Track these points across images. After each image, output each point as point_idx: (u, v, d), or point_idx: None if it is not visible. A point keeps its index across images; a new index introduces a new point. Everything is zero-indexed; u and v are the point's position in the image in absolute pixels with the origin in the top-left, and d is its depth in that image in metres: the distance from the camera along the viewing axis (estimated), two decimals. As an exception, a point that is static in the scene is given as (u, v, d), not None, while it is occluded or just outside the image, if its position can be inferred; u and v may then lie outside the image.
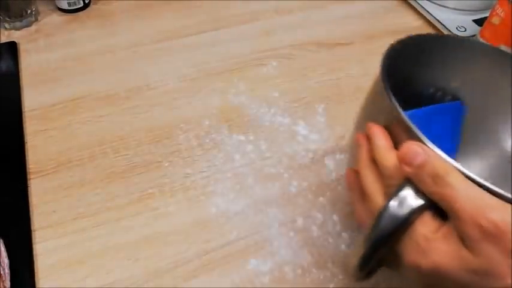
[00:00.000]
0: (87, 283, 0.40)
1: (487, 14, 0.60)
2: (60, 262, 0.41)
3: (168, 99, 0.56)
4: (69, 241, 0.43)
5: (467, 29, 0.65)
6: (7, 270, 0.39)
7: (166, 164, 0.49)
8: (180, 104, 0.55)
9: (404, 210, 0.26)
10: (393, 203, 0.27)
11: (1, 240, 0.41)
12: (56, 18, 0.67)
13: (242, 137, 0.51)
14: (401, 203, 0.26)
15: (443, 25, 0.66)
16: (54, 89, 0.57)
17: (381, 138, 0.29)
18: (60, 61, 0.61)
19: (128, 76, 0.58)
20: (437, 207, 0.26)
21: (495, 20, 0.57)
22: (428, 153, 0.26)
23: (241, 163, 0.49)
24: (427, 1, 0.69)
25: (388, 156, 0.28)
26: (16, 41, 0.63)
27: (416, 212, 0.26)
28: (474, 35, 0.61)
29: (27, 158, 0.49)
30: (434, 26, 0.67)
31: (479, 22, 0.65)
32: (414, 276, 0.27)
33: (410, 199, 0.26)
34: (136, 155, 0.50)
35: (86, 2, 0.68)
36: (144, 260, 0.42)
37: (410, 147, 0.26)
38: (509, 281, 0.23)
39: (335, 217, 0.44)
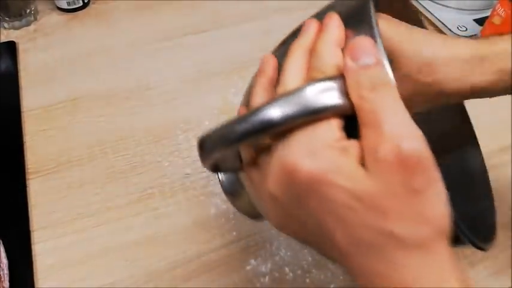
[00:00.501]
0: (86, 283, 0.40)
1: (488, 14, 0.60)
2: (59, 262, 0.41)
3: (167, 99, 0.56)
4: (68, 241, 0.43)
5: (468, 29, 0.64)
6: (6, 271, 0.39)
7: (166, 164, 0.49)
8: (179, 104, 0.55)
9: (320, 100, 0.22)
10: (312, 88, 0.22)
11: (0, 241, 0.41)
12: (55, 17, 0.67)
13: (242, 137, 0.51)
14: (321, 92, 0.22)
15: (444, 24, 0.66)
16: (53, 89, 0.57)
17: (337, 32, 0.24)
18: (59, 61, 0.60)
19: (127, 76, 0.58)
20: (348, 121, 0.22)
21: (496, 20, 0.57)
22: (380, 60, 0.22)
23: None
24: (428, 0, 0.69)
25: (333, 51, 0.24)
26: (15, 40, 0.63)
27: (330, 111, 0.22)
28: (475, 35, 0.61)
29: (26, 158, 0.49)
30: (435, 26, 0.67)
31: (480, 22, 0.65)
32: (277, 187, 0.23)
33: (332, 93, 0.22)
34: (136, 155, 0.50)
35: (85, 1, 0.68)
36: (144, 260, 0.42)
37: (365, 43, 0.22)
38: (395, 226, 0.20)
39: None
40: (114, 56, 0.61)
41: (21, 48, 0.62)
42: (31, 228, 0.43)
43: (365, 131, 0.21)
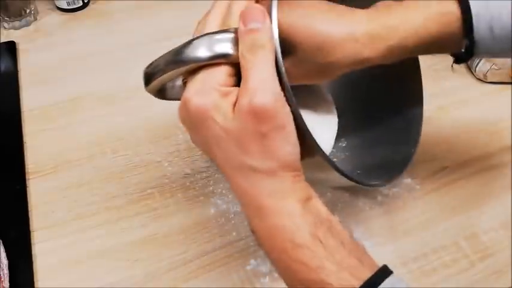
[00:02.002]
0: (86, 283, 0.40)
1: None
2: (59, 262, 0.41)
3: (167, 99, 0.55)
4: (68, 241, 0.43)
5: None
6: (6, 271, 0.39)
7: (165, 164, 0.49)
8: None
9: (217, 47, 0.27)
10: (212, 37, 0.28)
11: (0, 241, 0.41)
12: (55, 17, 0.67)
13: (242, 137, 0.51)
14: (220, 40, 0.28)
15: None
16: (53, 89, 0.57)
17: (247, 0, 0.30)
18: (59, 61, 0.60)
19: (127, 76, 0.58)
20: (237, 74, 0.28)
21: None
22: (265, 25, 0.27)
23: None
24: (427, 0, 0.69)
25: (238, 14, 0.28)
26: (15, 40, 0.63)
27: (222, 57, 0.27)
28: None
29: (26, 158, 0.49)
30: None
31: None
32: (181, 114, 0.29)
33: (226, 44, 0.27)
34: (136, 155, 0.50)
35: (85, 1, 0.68)
36: (144, 260, 0.42)
37: (255, 11, 0.27)
38: (248, 158, 0.27)
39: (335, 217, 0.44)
40: (114, 56, 0.61)
41: (21, 48, 0.62)
42: (31, 228, 0.43)
43: (241, 83, 0.27)
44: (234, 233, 0.43)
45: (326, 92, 0.43)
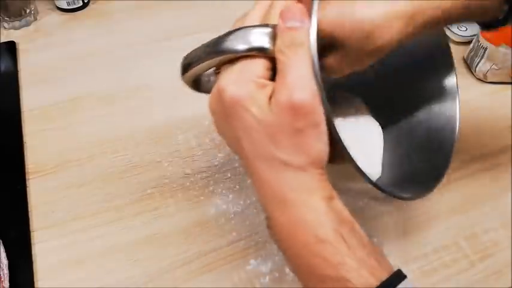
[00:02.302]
0: (86, 283, 0.40)
1: (487, 14, 0.60)
2: (59, 262, 0.41)
3: (167, 99, 0.56)
4: (68, 241, 0.43)
5: (468, 29, 0.64)
6: (6, 271, 0.39)
7: (165, 164, 0.49)
8: (179, 104, 0.55)
9: (255, 40, 0.28)
10: (252, 29, 0.29)
11: (0, 241, 0.41)
12: (55, 17, 0.67)
13: (242, 137, 0.51)
14: (258, 33, 0.28)
15: (444, 25, 0.65)
16: (53, 89, 0.57)
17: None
18: (59, 61, 0.60)
19: (127, 76, 0.58)
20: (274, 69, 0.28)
21: None
22: (304, 25, 0.27)
23: (241, 163, 0.49)
24: (428, 0, 0.69)
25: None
26: (15, 40, 0.63)
27: (259, 51, 0.28)
28: (475, 35, 0.61)
29: (26, 158, 0.49)
30: (434, 26, 0.67)
31: (480, 22, 0.64)
32: (212, 104, 0.30)
33: (264, 38, 0.28)
34: (136, 155, 0.50)
35: (85, 1, 0.68)
36: (144, 260, 0.42)
37: (295, 10, 0.28)
38: (280, 152, 0.27)
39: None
40: (114, 56, 0.61)
41: (21, 48, 0.62)
42: (31, 228, 0.43)
43: (277, 77, 0.28)
44: (234, 233, 0.43)
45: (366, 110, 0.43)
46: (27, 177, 0.47)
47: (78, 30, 0.65)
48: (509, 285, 0.41)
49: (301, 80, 0.27)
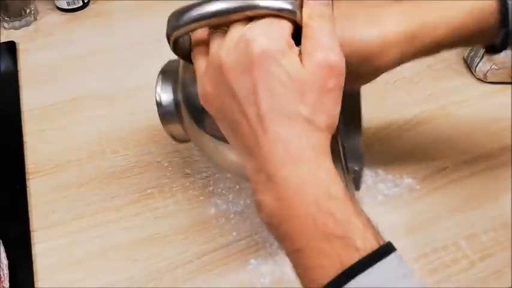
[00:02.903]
0: (86, 283, 0.40)
1: (487, 14, 0.60)
2: (59, 262, 0.41)
3: (167, 99, 0.55)
4: (68, 241, 0.43)
5: (467, 29, 0.64)
6: (6, 271, 0.39)
7: (165, 164, 0.49)
8: (179, 104, 0.55)
9: (286, 2, 0.28)
10: None
11: (0, 241, 0.41)
12: (55, 17, 0.67)
13: (242, 137, 0.51)
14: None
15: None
16: (53, 89, 0.57)
17: None
18: (59, 61, 0.60)
19: (127, 76, 0.58)
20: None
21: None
22: (329, 3, 0.29)
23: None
24: (427, 0, 0.69)
25: None
26: (15, 40, 0.63)
27: (288, 12, 0.28)
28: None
29: (26, 158, 0.49)
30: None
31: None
32: (234, 53, 0.28)
33: (295, 2, 0.28)
34: (136, 155, 0.50)
35: (85, 1, 0.68)
36: (144, 260, 0.42)
37: None
38: (306, 110, 0.27)
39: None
40: (114, 55, 0.61)
41: (21, 48, 0.62)
42: (31, 229, 0.43)
43: (306, 41, 0.28)
44: (234, 233, 0.43)
45: None
46: (27, 177, 0.47)
47: (78, 30, 0.65)
48: (509, 285, 0.41)
49: (335, 43, 0.27)
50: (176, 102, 0.38)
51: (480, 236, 0.44)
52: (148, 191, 0.47)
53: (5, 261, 0.40)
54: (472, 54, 0.60)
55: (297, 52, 0.28)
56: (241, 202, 0.46)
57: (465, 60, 0.61)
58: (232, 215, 0.45)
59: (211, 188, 0.47)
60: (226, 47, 0.28)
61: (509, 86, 0.58)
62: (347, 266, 0.24)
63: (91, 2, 0.69)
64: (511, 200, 0.46)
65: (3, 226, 0.43)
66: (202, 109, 0.31)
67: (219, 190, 0.47)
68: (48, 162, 0.49)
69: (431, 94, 0.57)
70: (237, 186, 0.47)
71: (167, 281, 0.40)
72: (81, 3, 0.68)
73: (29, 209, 0.45)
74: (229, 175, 0.48)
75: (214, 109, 0.30)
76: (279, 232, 0.28)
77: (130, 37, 0.64)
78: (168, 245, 0.43)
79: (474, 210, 0.46)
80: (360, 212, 0.27)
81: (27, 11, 0.65)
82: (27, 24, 0.65)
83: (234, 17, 0.29)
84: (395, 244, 0.42)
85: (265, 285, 0.40)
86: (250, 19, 0.28)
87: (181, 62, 0.39)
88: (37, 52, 0.62)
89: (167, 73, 0.40)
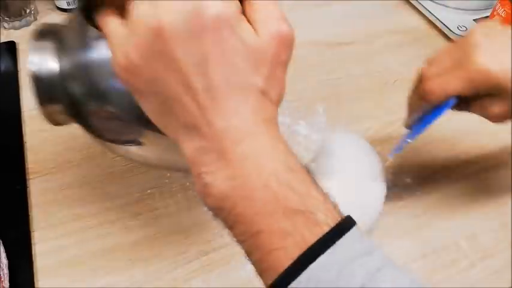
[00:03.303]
0: (86, 283, 0.40)
1: (487, 14, 0.60)
2: (59, 262, 0.41)
3: (167, 99, 0.55)
4: (68, 241, 0.43)
5: (468, 29, 0.64)
6: (6, 271, 0.39)
7: (166, 164, 0.49)
8: (179, 104, 0.55)
9: None
10: None
11: (0, 241, 0.41)
12: (55, 17, 0.67)
13: (242, 137, 0.51)
14: None
15: (444, 24, 0.65)
16: (54, 89, 0.56)
17: None
18: (59, 61, 0.60)
19: (127, 76, 0.58)
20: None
21: (496, 20, 0.57)
22: None
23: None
24: (428, 0, 0.69)
25: None
26: (15, 40, 0.63)
27: None
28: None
29: (26, 158, 0.49)
30: (435, 26, 0.67)
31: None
32: (181, 19, 0.24)
33: None
34: (136, 155, 0.50)
35: (85, 1, 0.68)
36: (144, 260, 0.42)
37: None
38: (259, 81, 0.25)
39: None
40: (114, 56, 0.61)
41: (21, 49, 0.62)
42: (31, 228, 0.43)
43: (256, 10, 0.26)
44: (234, 233, 0.43)
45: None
46: (27, 177, 0.47)
47: (78, 30, 0.65)
48: (509, 285, 0.41)
49: (284, 15, 0.27)
50: (63, 75, 0.30)
51: (480, 236, 0.44)
52: (148, 191, 0.47)
53: (5, 261, 0.40)
54: (472, 54, 0.60)
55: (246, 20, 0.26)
56: (241, 202, 0.46)
57: (465, 60, 0.61)
58: (232, 215, 0.45)
59: (211, 188, 0.47)
60: (167, 8, 0.24)
61: (509, 86, 0.58)
62: (309, 244, 0.23)
63: (91, 2, 0.69)
64: (511, 200, 0.46)
65: (3, 226, 0.43)
66: (103, 86, 0.27)
67: (219, 190, 0.46)
68: (48, 162, 0.49)
69: (432, 94, 0.57)
70: (237, 186, 0.47)
71: (167, 281, 0.40)
72: (81, 3, 0.68)
73: (29, 209, 0.45)
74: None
75: (140, 84, 0.26)
76: (231, 216, 0.26)
77: None
78: (168, 245, 0.43)
79: (474, 210, 0.46)
80: (317, 184, 0.26)
81: (27, 11, 0.65)
82: (27, 24, 0.65)
83: None
84: (395, 244, 0.42)
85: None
86: None
87: (70, 22, 0.31)
88: (37, 52, 0.61)
89: (47, 36, 0.31)
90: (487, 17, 0.60)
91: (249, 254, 0.26)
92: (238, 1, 0.26)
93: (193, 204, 0.46)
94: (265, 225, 0.24)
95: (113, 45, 0.26)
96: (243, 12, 0.26)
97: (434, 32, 0.67)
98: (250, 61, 0.25)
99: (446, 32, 0.65)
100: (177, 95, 0.25)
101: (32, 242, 0.42)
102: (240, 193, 0.25)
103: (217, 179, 0.25)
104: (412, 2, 0.71)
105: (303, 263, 0.23)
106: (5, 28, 0.65)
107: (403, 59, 0.62)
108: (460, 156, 0.50)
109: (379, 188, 0.44)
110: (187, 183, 0.47)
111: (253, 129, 0.25)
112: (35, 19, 0.66)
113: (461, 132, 0.53)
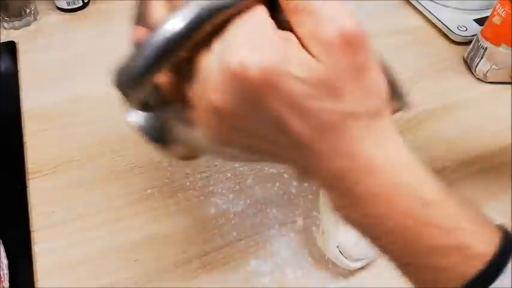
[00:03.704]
0: (86, 283, 0.40)
1: (488, 14, 0.60)
2: (59, 263, 0.41)
3: (167, 99, 0.55)
4: (68, 242, 0.43)
5: (468, 29, 0.64)
6: (6, 271, 0.39)
7: (165, 164, 0.49)
8: (179, 104, 0.55)
9: None
10: None
11: (0, 241, 0.41)
12: (55, 17, 0.67)
13: (242, 137, 0.51)
14: None
15: (444, 24, 0.65)
16: (53, 89, 0.57)
17: None
18: (59, 61, 0.60)
19: (127, 76, 0.58)
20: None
21: (496, 20, 0.57)
22: None
23: (241, 163, 0.49)
24: (428, 0, 0.69)
25: None
26: (15, 40, 0.63)
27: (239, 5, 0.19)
28: (475, 35, 0.61)
29: (26, 158, 0.49)
30: (435, 26, 0.67)
31: (480, 22, 0.65)
32: (224, 98, 0.20)
33: None
34: (136, 155, 0.50)
35: (85, 1, 0.68)
36: (144, 260, 0.42)
37: None
38: (346, 103, 0.21)
39: (335, 217, 0.44)
40: (114, 56, 0.61)
41: (21, 48, 0.62)
42: (31, 229, 0.43)
43: (299, 19, 0.20)
44: (234, 233, 0.43)
45: None
46: (27, 177, 0.47)
47: (78, 30, 0.65)
48: (510, 286, 0.41)
49: (341, 8, 0.20)
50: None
51: (480, 236, 0.44)
52: (149, 191, 0.47)
53: (5, 261, 0.40)
54: (472, 54, 0.60)
55: (296, 41, 0.21)
56: (241, 202, 0.46)
57: (465, 60, 0.61)
58: (232, 215, 0.45)
59: (211, 188, 0.47)
60: (212, 90, 0.20)
61: (509, 86, 0.58)
62: (467, 279, 0.21)
63: (91, 2, 0.69)
64: (511, 200, 0.46)
65: (3, 226, 0.43)
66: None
67: (219, 190, 0.47)
68: (48, 162, 0.49)
69: (432, 94, 0.57)
70: (237, 187, 0.47)
71: (167, 281, 0.40)
72: (81, 3, 0.68)
73: (29, 209, 0.45)
74: (229, 175, 0.48)
75: (235, 149, 0.23)
76: (379, 246, 0.23)
77: (130, 37, 0.64)
78: (168, 245, 0.43)
79: (474, 210, 0.46)
80: (462, 202, 0.22)
81: (27, 11, 0.65)
82: (27, 24, 0.65)
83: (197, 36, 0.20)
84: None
85: (265, 285, 0.40)
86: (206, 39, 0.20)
87: None
88: (37, 52, 0.61)
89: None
90: (487, 17, 0.60)
91: (404, 277, 0.24)
92: (270, 24, 0.20)
93: (193, 204, 0.46)
94: (412, 262, 0.22)
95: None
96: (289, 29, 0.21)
97: (434, 32, 0.67)
98: (323, 93, 0.20)
99: (446, 32, 0.65)
100: (271, 152, 0.23)
101: (32, 242, 0.42)
102: (379, 230, 0.23)
103: (351, 216, 0.23)
104: (412, 2, 0.71)
105: None
106: (5, 28, 0.65)
107: (403, 59, 0.62)
108: (460, 156, 0.50)
109: None
110: (188, 183, 0.47)
111: (363, 167, 0.22)
112: (35, 19, 0.66)
113: (461, 132, 0.53)
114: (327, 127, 0.21)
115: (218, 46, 0.20)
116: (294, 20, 0.21)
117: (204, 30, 0.20)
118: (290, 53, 0.20)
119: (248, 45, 0.19)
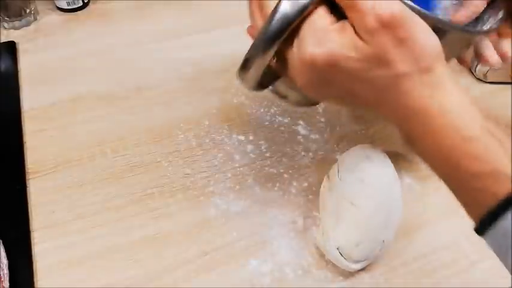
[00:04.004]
0: (86, 283, 0.40)
1: (487, 14, 0.60)
2: (59, 263, 0.41)
3: (167, 99, 0.56)
4: (68, 241, 0.43)
5: (467, 29, 0.64)
6: (6, 271, 0.39)
7: (165, 164, 0.49)
8: (179, 104, 0.55)
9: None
10: None
11: (0, 241, 0.41)
12: (55, 17, 0.67)
13: (242, 137, 0.51)
14: None
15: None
16: (53, 89, 0.57)
17: None
18: (59, 61, 0.60)
19: (127, 76, 0.58)
20: (333, 5, 0.28)
21: (496, 20, 0.56)
22: None
23: (241, 163, 0.49)
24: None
25: None
26: (15, 40, 0.63)
27: (314, 3, 0.28)
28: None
29: (26, 158, 0.49)
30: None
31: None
32: (306, 78, 0.29)
33: None
34: (136, 155, 0.50)
35: (85, 1, 0.68)
36: (144, 260, 0.42)
37: None
38: (398, 68, 0.27)
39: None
40: (114, 56, 0.61)
41: (21, 48, 0.62)
42: (31, 228, 0.43)
43: (350, 14, 0.27)
44: (234, 233, 0.43)
45: None
46: (27, 177, 0.47)
47: (78, 30, 0.65)
48: (509, 286, 0.41)
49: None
50: None
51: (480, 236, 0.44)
52: (148, 191, 0.47)
53: (5, 261, 0.40)
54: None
55: (351, 29, 0.27)
56: (241, 202, 0.46)
57: (465, 60, 0.61)
58: (232, 215, 0.45)
59: (211, 188, 0.47)
60: (297, 75, 0.30)
61: (509, 86, 0.58)
62: (500, 199, 0.25)
63: (91, 2, 0.69)
64: (511, 200, 0.46)
65: (3, 226, 0.43)
66: None
67: (219, 190, 0.47)
68: (48, 162, 0.49)
69: (431, 94, 0.57)
70: (237, 187, 0.47)
71: (167, 281, 0.40)
72: (81, 3, 0.68)
73: (29, 209, 0.45)
74: (229, 175, 0.48)
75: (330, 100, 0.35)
76: (434, 172, 0.30)
77: (130, 37, 0.64)
78: (168, 245, 0.43)
79: (474, 210, 0.46)
80: (505, 139, 0.26)
81: (27, 11, 0.65)
82: (27, 24, 0.65)
83: (272, 51, 0.29)
84: (395, 244, 0.42)
85: (265, 285, 0.40)
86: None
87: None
88: (37, 52, 0.62)
89: None
90: (487, 17, 0.60)
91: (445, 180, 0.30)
92: (329, 19, 0.28)
93: (193, 204, 0.46)
94: (456, 183, 0.29)
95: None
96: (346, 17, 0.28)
97: (434, 32, 0.67)
98: (376, 66, 0.27)
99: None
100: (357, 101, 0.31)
101: (32, 242, 0.42)
102: (428, 157, 0.30)
103: (413, 148, 0.30)
104: (412, 2, 0.71)
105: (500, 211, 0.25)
106: (5, 28, 0.65)
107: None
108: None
109: (398, 193, 0.41)
110: (188, 183, 0.47)
111: (418, 113, 0.28)
112: (35, 19, 0.66)
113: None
114: (384, 88, 0.28)
115: (295, 43, 0.29)
116: (349, 16, 0.28)
117: (300, 18, 0.28)
118: (345, 40, 0.27)
119: (313, 41, 0.28)
